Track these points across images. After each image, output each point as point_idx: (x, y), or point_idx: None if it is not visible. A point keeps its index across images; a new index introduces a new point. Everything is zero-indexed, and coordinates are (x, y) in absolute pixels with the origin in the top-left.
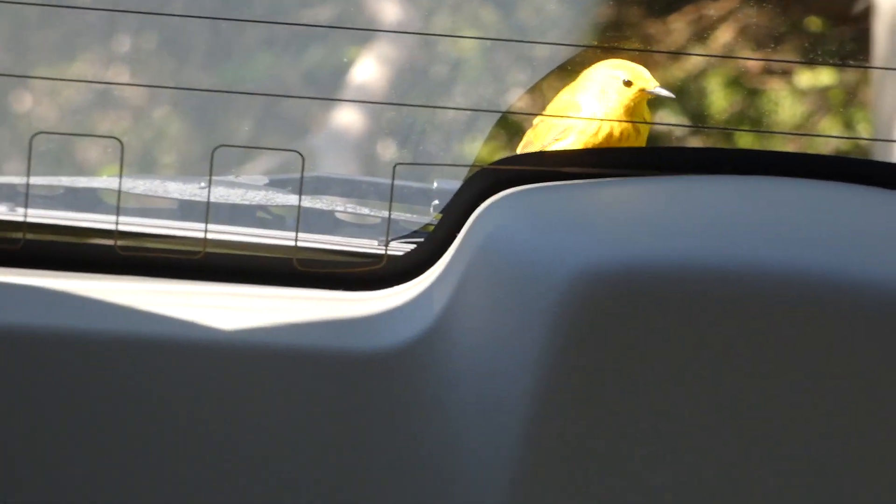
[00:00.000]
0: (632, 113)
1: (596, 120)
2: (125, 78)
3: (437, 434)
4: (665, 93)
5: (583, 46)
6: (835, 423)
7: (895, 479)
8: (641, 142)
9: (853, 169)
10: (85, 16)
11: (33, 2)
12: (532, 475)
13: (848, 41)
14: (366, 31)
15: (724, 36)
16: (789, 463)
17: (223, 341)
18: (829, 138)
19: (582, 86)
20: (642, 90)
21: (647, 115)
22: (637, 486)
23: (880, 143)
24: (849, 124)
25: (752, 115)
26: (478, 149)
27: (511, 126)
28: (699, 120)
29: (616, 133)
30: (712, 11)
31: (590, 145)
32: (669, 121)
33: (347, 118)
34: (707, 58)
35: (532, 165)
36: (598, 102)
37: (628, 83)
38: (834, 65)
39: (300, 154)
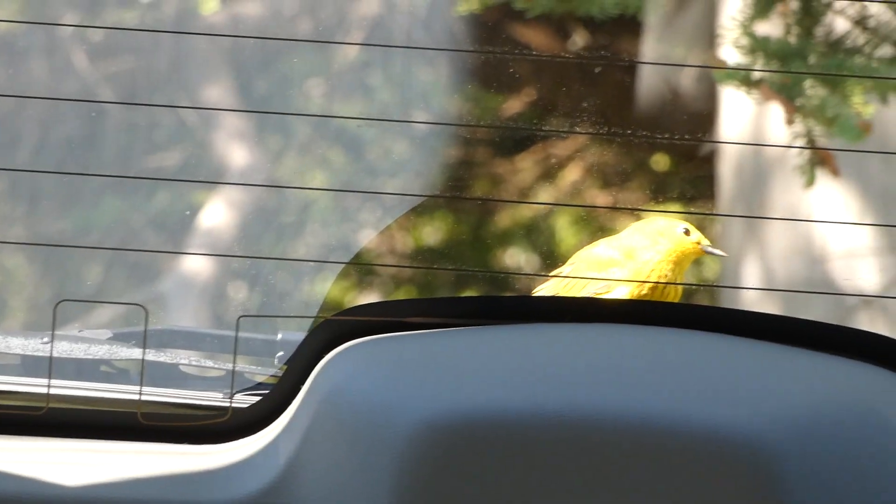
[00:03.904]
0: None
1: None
2: None
3: None
4: (718, 252)
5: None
6: None
7: None
8: (679, 292)
9: (694, 315)
10: None
11: None
12: None
13: (695, 180)
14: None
15: (571, 174)
16: None
17: (67, 498)
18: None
19: (631, 237)
20: (698, 243)
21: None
22: None
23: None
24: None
25: None
26: (328, 289)
27: (361, 266)
28: (547, 258)
29: (661, 284)
30: (560, 150)
31: (635, 296)
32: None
33: (195, 264)
34: (555, 197)
35: (375, 315)
36: (651, 251)
37: (687, 232)
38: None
39: (143, 308)
